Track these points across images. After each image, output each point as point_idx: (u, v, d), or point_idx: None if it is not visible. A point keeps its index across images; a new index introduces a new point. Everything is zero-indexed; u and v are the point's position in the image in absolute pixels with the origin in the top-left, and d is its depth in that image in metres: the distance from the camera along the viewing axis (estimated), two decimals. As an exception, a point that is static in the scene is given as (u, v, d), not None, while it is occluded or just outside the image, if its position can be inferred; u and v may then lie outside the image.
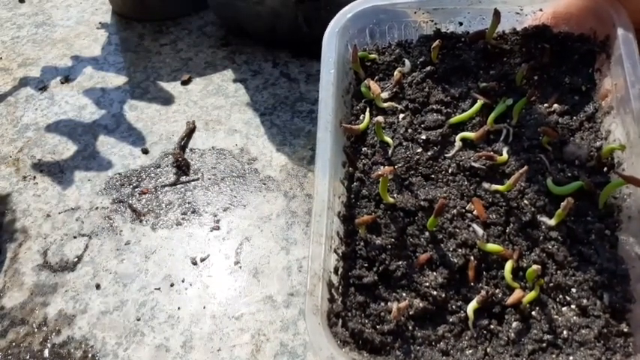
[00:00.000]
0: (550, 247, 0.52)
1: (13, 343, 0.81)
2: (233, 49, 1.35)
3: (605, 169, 0.55)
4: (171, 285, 0.87)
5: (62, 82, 1.32)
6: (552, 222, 0.52)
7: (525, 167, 0.53)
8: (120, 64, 1.36)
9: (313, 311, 0.48)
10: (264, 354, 0.77)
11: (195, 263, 0.89)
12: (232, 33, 1.39)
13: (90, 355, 0.79)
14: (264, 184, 1.01)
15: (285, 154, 1.06)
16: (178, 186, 1.03)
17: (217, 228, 0.94)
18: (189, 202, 0.99)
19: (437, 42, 0.63)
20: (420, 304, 0.51)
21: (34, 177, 1.08)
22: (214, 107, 1.19)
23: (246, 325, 0.80)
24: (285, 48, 1.31)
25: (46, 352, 0.80)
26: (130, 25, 1.49)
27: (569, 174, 0.55)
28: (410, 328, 0.50)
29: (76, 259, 0.92)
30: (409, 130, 0.61)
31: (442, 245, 0.53)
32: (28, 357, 0.80)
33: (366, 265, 0.54)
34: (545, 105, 0.60)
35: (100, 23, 1.52)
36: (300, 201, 0.97)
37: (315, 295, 0.49)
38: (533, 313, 0.49)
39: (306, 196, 0.98)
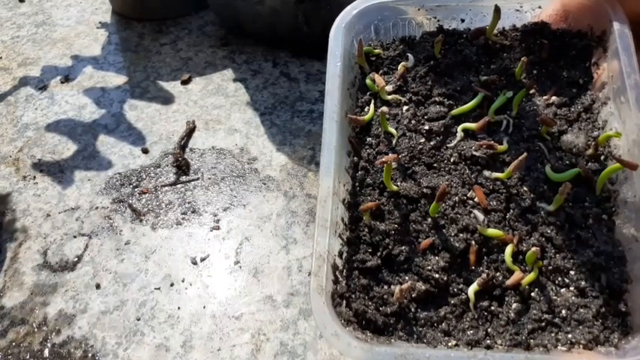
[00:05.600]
0: (549, 231, 0.53)
1: (13, 343, 0.81)
2: (233, 49, 1.35)
3: (603, 157, 0.56)
4: (171, 285, 0.87)
5: (62, 82, 1.32)
6: (551, 207, 0.54)
7: (524, 154, 0.54)
8: (120, 63, 1.36)
9: (318, 291, 0.49)
10: (264, 354, 0.77)
11: (195, 263, 0.89)
12: (232, 33, 1.39)
13: (90, 355, 0.79)
14: (264, 183, 1.01)
15: (285, 153, 1.06)
16: (178, 186, 1.03)
17: (217, 228, 0.94)
18: (189, 202, 0.99)
19: (439, 37, 0.64)
20: (422, 287, 0.52)
21: (34, 177, 1.08)
22: (214, 107, 1.19)
23: (246, 325, 0.80)
24: (285, 48, 1.31)
25: (46, 352, 0.80)
26: (130, 25, 1.49)
27: (567, 162, 0.56)
28: (412, 309, 0.51)
29: (76, 259, 0.92)
30: (412, 122, 0.62)
31: (444, 230, 0.55)
32: (28, 357, 0.80)
33: (369, 250, 0.55)
34: (544, 97, 0.62)
35: (100, 23, 1.52)
36: (300, 201, 0.97)
37: (319, 276, 0.50)
38: (533, 294, 0.50)
39: (306, 195, 0.98)
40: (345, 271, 0.54)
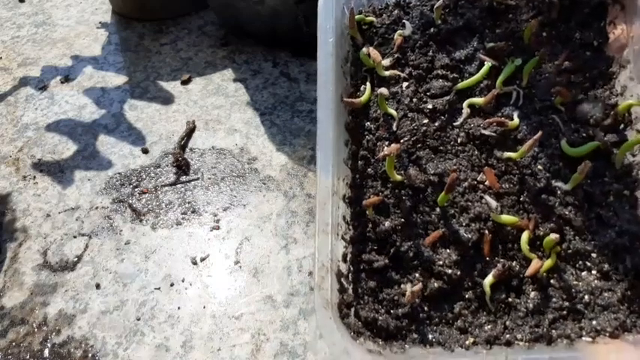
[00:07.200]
0: (567, 212, 0.49)
1: (13, 343, 0.81)
2: (233, 49, 1.35)
3: (622, 126, 0.51)
4: (171, 285, 0.87)
5: (62, 82, 1.32)
6: (568, 186, 0.50)
7: (539, 133, 0.49)
8: (120, 63, 1.35)
9: (324, 305, 0.46)
10: (264, 354, 0.77)
11: (195, 263, 0.89)
12: (232, 33, 1.39)
13: (90, 355, 0.79)
14: (264, 183, 1.01)
15: (285, 153, 1.06)
16: (178, 186, 1.03)
17: (217, 228, 0.94)
18: (189, 202, 0.99)
19: (440, 1, 0.58)
20: (435, 284, 0.48)
21: (34, 177, 1.08)
22: (214, 107, 1.19)
23: (246, 325, 0.80)
24: (285, 48, 1.31)
25: (46, 352, 0.80)
26: (130, 25, 1.49)
27: (584, 134, 0.52)
28: (425, 309, 0.48)
29: (76, 259, 0.92)
30: (414, 100, 0.57)
31: (454, 221, 0.51)
32: (28, 357, 0.80)
33: (375, 247, 0.51)
34: (556, 63, 0.56)
35: (100, 23, 1.52)
36: (300, 200, 0.97)
37: (324, 289, 0.47)
38: (552, 281, 0.47)
39: (306, 195, 0.98)
40: (350, 275, 0.50)
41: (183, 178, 1.04)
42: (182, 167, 1.05)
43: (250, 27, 1.31)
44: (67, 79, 1.32)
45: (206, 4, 1.41)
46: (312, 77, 1.23)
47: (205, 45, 1.38)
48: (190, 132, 1.13)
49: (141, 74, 1.31)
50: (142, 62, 1.35)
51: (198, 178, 1.04)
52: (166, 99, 1.23)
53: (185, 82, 1.27)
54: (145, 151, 1.10)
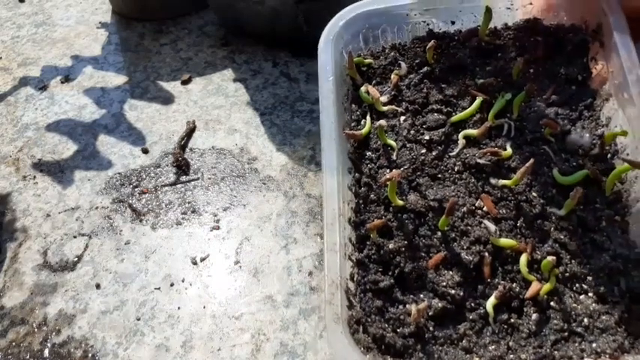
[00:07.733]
0: (562, 237, 0.52)
1: (13, 343, 0.81)
2: (233, 49, 1.35)
3: (609, 155, 0.55)
4: (171, 285, 0.87)
5: (62, 82, 1.32)
6: (562, 212, 0.53)
7: (531, 161, 0.53)
8: (120, 63, 1.36)
9: (334, 320, 0.48)
10: (264, 354, 0.77)
11: (195, 263, 0.89)
12: (232, 33, 1.39)
13: (90, 355, 0.79)
14: (264, 183, 1.01)
15: (285, 153, 1.06)
16: (178, 186, 1.03)
17: (217, 228, 0.94)
18: (189, 202, 0.99)
19: (432, 43, 0.63)
20: (439, 304, 0.51)
21: (34, 177, 1.08)
22: (214, 107, 1.19)
23: (246, 325, 0.80)
24: (285, 48, 1.31)
25: (46, 352, 0.80)
26: (130, 25, 1.49)
27: (574, 163, 0.55)
28: (430, 328, 0.50)
29: (76, 259, 0.92)
30: (411, 132, 0.61)
31: (455, 244, 0.53)
32: (28, 357, 0.80)
33: (380, 269, 0.54)
34: (544, 97, 0.60)
35: (100, 23, 1.52)
36: (300, 200, 0.97)
37: (334, 304, 0.49)
38: (552, 303, 0.49)
39: (306, 195, 0.98)
40: (358, 294, 0.52)
41: (183, 178, 1.04)
42: (182, 167, 1.05)
43: (250, 27, 1.31)
44: (67, 79, 1.32)
45: (206, 4, 1.41)
46: (312, 77, 1.23)
47: (205, 45, 1.38)
48: (190, 132, 1.13)
49: (141, 74, 1.31)
50: (142, 62, 1.35)
51: (198, 178, 1.04)
52: (166, 99, 1.23)
53: (185, 82, 1.27)
54: (145, 151, 1.10)
